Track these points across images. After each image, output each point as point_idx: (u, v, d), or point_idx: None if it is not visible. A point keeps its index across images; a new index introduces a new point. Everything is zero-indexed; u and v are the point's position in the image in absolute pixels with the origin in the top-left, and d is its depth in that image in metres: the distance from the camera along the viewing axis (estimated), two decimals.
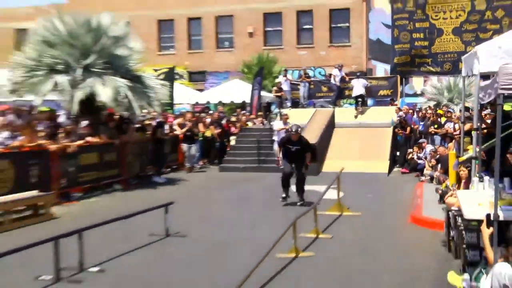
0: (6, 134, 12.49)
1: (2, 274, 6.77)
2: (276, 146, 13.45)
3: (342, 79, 24.17)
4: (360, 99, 22.92)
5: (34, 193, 10.99)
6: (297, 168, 11.78)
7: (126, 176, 15.20)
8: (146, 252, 8.16)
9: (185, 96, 28.88)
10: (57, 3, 35.41)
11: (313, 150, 14.00)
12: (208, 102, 29.25)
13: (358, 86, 22.91)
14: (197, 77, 37.85)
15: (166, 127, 18.78)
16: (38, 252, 6.65)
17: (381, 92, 25.37)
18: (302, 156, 11.82)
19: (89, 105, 14.42)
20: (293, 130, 11.71)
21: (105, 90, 14.08)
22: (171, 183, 15.94)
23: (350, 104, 25.48)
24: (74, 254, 6.94)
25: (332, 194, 11.00)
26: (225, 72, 36.54)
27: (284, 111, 21.13)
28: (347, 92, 24.94)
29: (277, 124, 17.59)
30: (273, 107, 27.02)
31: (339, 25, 36.33)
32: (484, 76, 7.87)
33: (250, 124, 22.86)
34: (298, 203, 11.60)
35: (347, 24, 36.11)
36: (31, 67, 14.40)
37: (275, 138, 17.02)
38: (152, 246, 8.46)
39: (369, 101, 24.97)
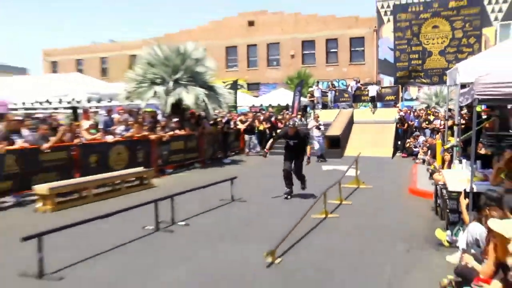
0: (122, 127, 12.76)
1: (120, 224, 6.96)
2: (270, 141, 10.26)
3: (358, 88, 24.53)
4: (372, 101, 23.75)
5: (140, 169, 11.25)
6: (296, 161, 9.33)
7: (203, 157, 15.35)
8: (217, 212, 8.22)
9: (245, 100, 28.92)
10: (157, 37, 36.04)
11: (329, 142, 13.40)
12: (261, 105, 29.13)
13: (372, 90, 23.98)
14: (253, 87, 37.78)
15: (232, 123, 18.86)
16: (144, 210, 6.79)
17: (387, 98, 25.51)
18: (301, 149, 9.34)
19: (178, 107, 14.58)
20: (290, 124, 9.54)
21: (188, 97, 14.22)
22: (235, 163, 15.97)
23: (365, 106, 25.36)
24: (168, 212, 7.08)
25: (351, 172, 10.85)
26: (273, 83, 36.35)
27: (316, 111, 20.96)
28: (363, 98, 25.02)
29: (311, 123, 17.24)
30: (308, 109, 26.77)
31: (356, 49, 35.70)
32: (462, 85, 7.69)
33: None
34: (301, 187, 9.47)
35: (362, 48, 35.46)
36: (139, 80, 14.68)
37: (310, 132, 16.84)
38: (221, 208, 8.51)
39: (379, 104, 24.85)
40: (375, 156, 16.12)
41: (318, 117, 17.31)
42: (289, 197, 9.29)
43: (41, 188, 8.43)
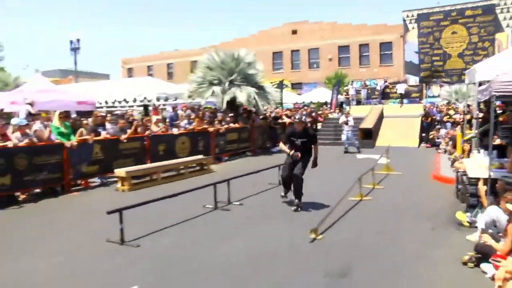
0: (185, 121, 13.06)
1: (184, 203, 7.06)
2: (282, 144, 7.33)
3: (386, 87, 24.33)
4: (400, 98, 23.44)
5: (200, 156, 11.43)
6: (302, 165, 6.82)
7: (254, 147, 15.38)
8: (267, 194, 8.24)
9: (289, 98, 28.87)
10: (213, 45, 36.48)
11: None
12: (303, 102, 28.96)
13: (400, 88, 23.54)
14: (297, 86, 37.51)
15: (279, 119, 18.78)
16: (204, 191, 6.90)
17: (413, 95, 25.24)
18: (308, 149, 6.88)
19: (232, 104, 14.72)
20: (297, 118, 7.12)
21: (242, 95, 14.34)
22: (282, 152, 15.77)
23: (393, 102, 24.81)
24: (225, 193, 7.17)
25: (382, 160, 10.56)
26: (314, 83, 35.94)
27: (351, 107, 20.58)
28: (391, 95, 24.59)
29: (341, 119, 16.66)
30: (344, 105, 26.32)
31: (386, 52, 35.01)
32: (480, 84, 7.42)
33: (330, 115, 22.42)
34: (293, 208, 6.77)
35: (391, 52, 34.72)
36: (199, 82, 14.96)
37: (342, 126, 16.43)
38: (269, 190, 8.50)
39: (405, 101, 24.16)
40: (403, 146, 15.61)
41: (348, 114, 16.82)
42: (286, 196, 7.20)
43: (120, 172, 8.81)
